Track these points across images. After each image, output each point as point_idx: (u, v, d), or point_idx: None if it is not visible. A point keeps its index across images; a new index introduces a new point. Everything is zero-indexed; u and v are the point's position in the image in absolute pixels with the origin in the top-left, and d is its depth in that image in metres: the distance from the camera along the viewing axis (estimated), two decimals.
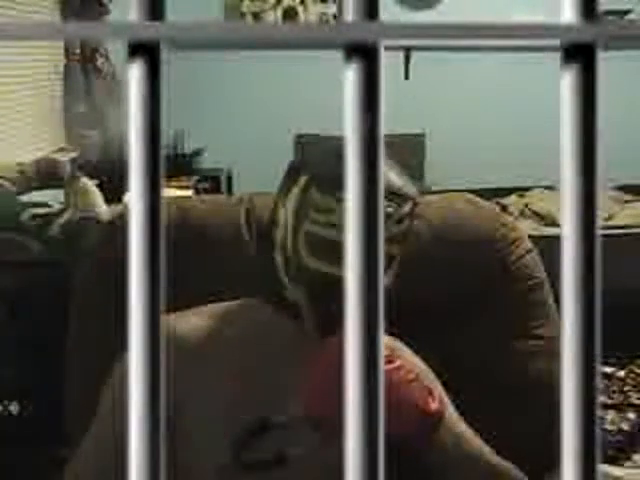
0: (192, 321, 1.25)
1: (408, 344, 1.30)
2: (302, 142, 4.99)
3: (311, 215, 1.19)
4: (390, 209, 1.20)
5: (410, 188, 1.22)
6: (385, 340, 1.23)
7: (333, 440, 1.15)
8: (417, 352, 1.29)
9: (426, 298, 1.43)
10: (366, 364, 0.30)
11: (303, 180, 1.22)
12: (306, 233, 1.19)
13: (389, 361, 1.15)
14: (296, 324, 1.23)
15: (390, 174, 1.22)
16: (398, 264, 1.23)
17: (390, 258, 1.21)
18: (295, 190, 1.22)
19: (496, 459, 1.24)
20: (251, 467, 1.19)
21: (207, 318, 1.26)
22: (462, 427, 1.22)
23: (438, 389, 1.25)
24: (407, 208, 1.21)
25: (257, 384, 1.22)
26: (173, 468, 1.21)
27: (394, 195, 1.20)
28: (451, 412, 1.23)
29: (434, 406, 1.14)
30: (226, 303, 1.29)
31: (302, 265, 1.19)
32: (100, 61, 4.16)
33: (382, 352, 0.30)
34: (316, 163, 1.22)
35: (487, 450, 1.23)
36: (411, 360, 1.27)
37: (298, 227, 1.20)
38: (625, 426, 3.27)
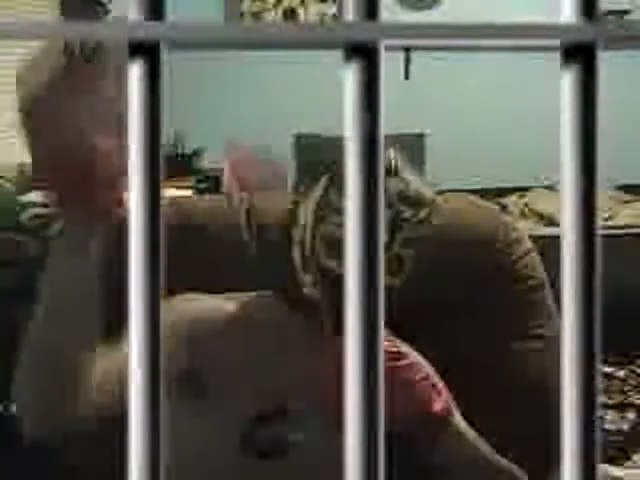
0: (215, 304, 1.29)
1: (409, 344, 1.31)
2: (302, 142, 4.99)
3: (330, 216, 1.22)
4: (407, 214, 1.24)
5: (428, 193, 1.26)
6: (396, 342, 1.24)
7: (338, 431, 1.16)
8: (417, 352, 1.30)
9: (425, 298, 1.43)
10: (366, 366, 0.30)
11: (324, 181, 1.25)
12: (324, 233, 1.22)
13: (398, 358, 1.17)
14: (311, 321, 1.25)
15: (409, 178, 1.26)
16: (410, 267, 1.27)
17: (404, 261, 1.25)
18: (316, 190, 1.25)
19: (497, 459, 1.25)
20: (255, 452, 1.22)
21: (226, 305, 1.30)
22: (466, 427, 1.23)
23: (445, 391, 1.27)
24: (424, 213, 1.25)
25: (267, 376, 1.24)
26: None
27: (412, 200, 1.25)
28: (456, 413, 1.24)
29: (440, 405, 1.15)
30: (243, 296, 1.32)
31: (320, 264, 1.22)
32: None
33: (382, 353, 0.30)
34: (337, 164, 1.24)
35: (489, 451, 1.24)
36: (421, 360, 1.29)
37: (317, 227, 1.23)
38: (625, 426, 3.27)
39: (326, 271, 1.22)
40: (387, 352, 1.18)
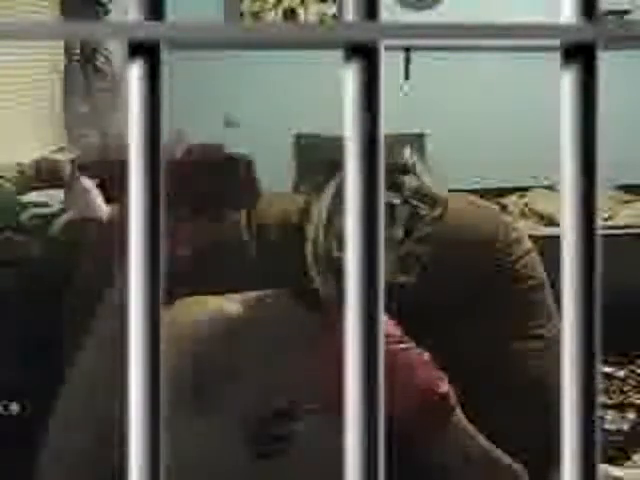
0: (217, 304, 1.30)
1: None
2: (302, 142, 4.99)
3: (344, 213, 1.24)
4: (423, 211, 1.26)
5: (442, 192, 1.29)
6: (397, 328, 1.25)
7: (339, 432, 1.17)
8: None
9: (425, 298, 1.43)
10: (366, 364, 0.30)
11: (339, 179, 1.26)
12: (339, 230, 1.23)
13: (401, 341, 1.18)
14: (319, 316, 1.26)
15: (424, 176, 1.28)
16: (421, 265, 1.29)
17: (417, 258, 1.27)
18: (330, 188, 1.27)
19: (498, 456, 1.25)
20: (257, 452, 1.23)
21: (236, 304, 1.30)
22: (467, 424, 1.23)
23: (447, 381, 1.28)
24: (438, 211, 1.28)
25: (269, 375, 1.25)
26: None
27: (427, 197, 1.27)
28: (457, 410, 1.24)
29: (444, 389, 1.16)
30: (250, 293, 1.33)
31: (333, 261, 1.23)
32: (100, 61, 4.16)
33: (382, 348, 0.30)
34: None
35: (490, 448, 1.24)
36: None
37: (331, 224, 1.24)
38: (625, 426, 3.27)
39: (339, 266, 1.23)
40: (389, 335, 1.18)
